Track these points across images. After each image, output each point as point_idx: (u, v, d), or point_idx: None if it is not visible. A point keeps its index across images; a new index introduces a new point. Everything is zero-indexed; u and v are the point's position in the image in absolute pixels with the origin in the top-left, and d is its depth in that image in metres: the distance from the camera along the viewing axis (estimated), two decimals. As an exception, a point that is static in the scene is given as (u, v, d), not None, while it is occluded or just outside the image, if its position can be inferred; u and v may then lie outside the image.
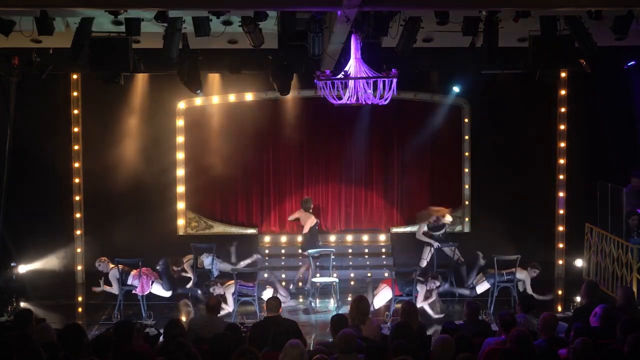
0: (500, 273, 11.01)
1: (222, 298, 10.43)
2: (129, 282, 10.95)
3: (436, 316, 10.59)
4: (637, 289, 10.77)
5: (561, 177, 13.27)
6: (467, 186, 13.51)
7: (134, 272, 10.97)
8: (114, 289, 11.07)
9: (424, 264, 11.85)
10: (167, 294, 11.15)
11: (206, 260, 11.72)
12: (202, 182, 13.39)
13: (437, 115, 13.35)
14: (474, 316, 7.74)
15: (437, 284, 10.78)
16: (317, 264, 12.07)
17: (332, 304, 11.47)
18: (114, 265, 11.07)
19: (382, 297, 10.74)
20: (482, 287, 11.21)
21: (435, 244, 11.81)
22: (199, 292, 11.22)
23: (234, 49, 10.38)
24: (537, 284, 11.24)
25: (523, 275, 11.09)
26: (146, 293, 10.94)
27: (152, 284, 11.01)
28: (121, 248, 12.13)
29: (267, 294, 10.66)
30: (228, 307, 10.56)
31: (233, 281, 10.74)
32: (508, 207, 12.92)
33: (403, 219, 13.55)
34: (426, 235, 12.11)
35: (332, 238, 13.37)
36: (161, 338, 7.53)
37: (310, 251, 11.87)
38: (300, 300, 11.91)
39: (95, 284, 11.50)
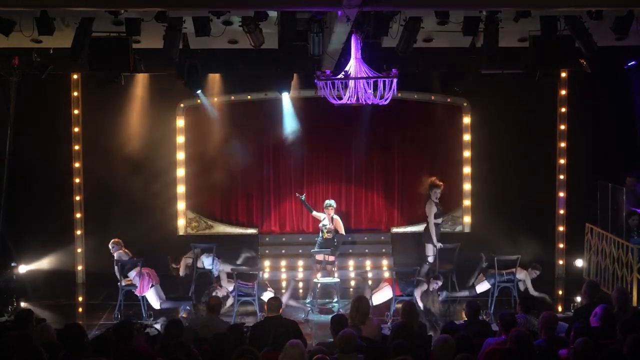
0: (501, 273, 11.01)
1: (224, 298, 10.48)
2: (131, 275, 10.91)
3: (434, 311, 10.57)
4: (637, 289, 10.78)
5: (561, 177, 13.27)
6: (467, 186, 13.51)
7: (137, 268, 10.94)
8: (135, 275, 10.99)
9: (431, 259, 11.83)
10: (157, 305, 11.02)
11: (206, 261, 11.72)
12: (202, 182, 13.39)
13: (437, 115, 13.36)
14: (474, 316, 7.74)
15: (439, 283, 10.80)
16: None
17: (332, 303, 11.46)
18: (125, 250, 11.03)
19: (382, 295, 10.75)
20: (482, 287, 11.21)
21: (439, 245, 11.81)
22: (187, 308, 11.09)
23: (234, 49, 10.37)
24: (536, 283, 11.25)
25: (522, 275, 11.10)
26: (144, 294, 10.91)
27: (151, 287, 10.94)
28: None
29: (267, 295, 10.66)
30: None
31: (234, 281, 10.76)
32: (508, 207, 12.92)
33: (403, 219, 13.55)
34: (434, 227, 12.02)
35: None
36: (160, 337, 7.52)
37: (313, 250, 11.83)
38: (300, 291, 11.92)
39: (95, 284, 11.49)
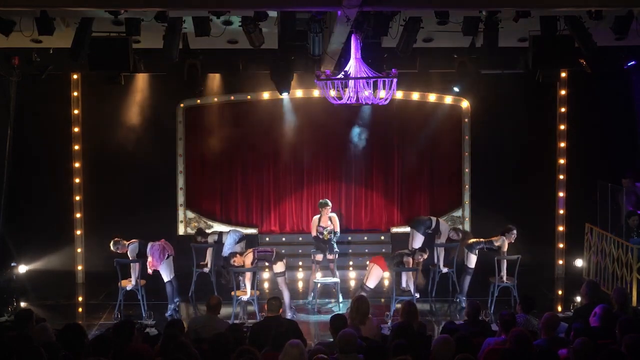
0: (479, 241, 11.22)
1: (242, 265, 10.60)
2: (148, 251, 10.85)
3: (417, 294, 10.62)
4: (637, 289, 10.78)
5: (561, 177, 13.27)
6: (467, 186, 13.51)
7: (151, 243, 10.90)
8: (132, 279, 10.91)
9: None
10: (167, 277, 10.99)
11: (229, 239, 11.69)
12: (202, 182, 13.41)
13: (437, 115, 13.38)
14: (474, 316, 7.74)
15: (425, 256, 10.82)
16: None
17: (332, 303, 11.48)
18: (131, 241, 10.94)
19: (374, 277, 10.78)
20: (472, 261, 11.30)
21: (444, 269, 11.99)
22: (172, 306, 11.09)
23: (234, 49, 10.38)
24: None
25: (499, 242, 11.16)
26: (156, 267, 10.83)
27: (166, 258, 10.88)
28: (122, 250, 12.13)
29: (279, 267, 10.72)
30: (247, 286, 10.57)
31: (251, 249, 10.82)
32: (508, 207, 12.92)
33: (403, 219, 13.55)
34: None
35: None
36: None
37: (313, 251, 11.81)
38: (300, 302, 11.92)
39: (95, 284, 11.44)
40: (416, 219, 12.42)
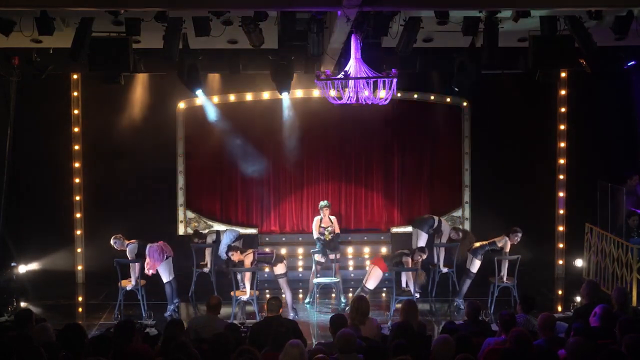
0: (483, 245, 11.19)
1: (240, 264, 10.64)
2: (147, 252, 10.84)
3: (417, 294, 10.64)
4: (637, 288, 10.79)
5: (561, 177, 13.27)
6: (467, 186, 13.51)
7: (150, 244, 10.90)
8: (132, 279, 10.93)
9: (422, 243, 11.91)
10: (167, 278, 11.00)
11: (225, 239, 11.69)
12: (202, 182, 13.40)
13: (437, 115, 13.37)
14: (474, 316, 7.74)
15: (424, 256, 10.85)
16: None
17: (332, 303, 11.47)
18: (130, 241, 10.94)
19: (374, 278, 10.78)
20: (475, 266, 11.29)
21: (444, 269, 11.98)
22: (172, 307, 11.10)
23: (234, 49, 10.38)
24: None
25: (502, 243, 11.16)
26: (155, 268, 10.83)
27: (165, 259, 10.89)
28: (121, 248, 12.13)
29: (279, 269, 10.73)
30: (246, 286, 10.58)
31: (252, 250, 10.80)
32: (508, 207, 12.92)
33: (403, 219, 13.54)
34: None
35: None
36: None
37: (313, 251, 11.80)
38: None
39: (95, 284, 11.42)
40: (419, 218, 12.42)
